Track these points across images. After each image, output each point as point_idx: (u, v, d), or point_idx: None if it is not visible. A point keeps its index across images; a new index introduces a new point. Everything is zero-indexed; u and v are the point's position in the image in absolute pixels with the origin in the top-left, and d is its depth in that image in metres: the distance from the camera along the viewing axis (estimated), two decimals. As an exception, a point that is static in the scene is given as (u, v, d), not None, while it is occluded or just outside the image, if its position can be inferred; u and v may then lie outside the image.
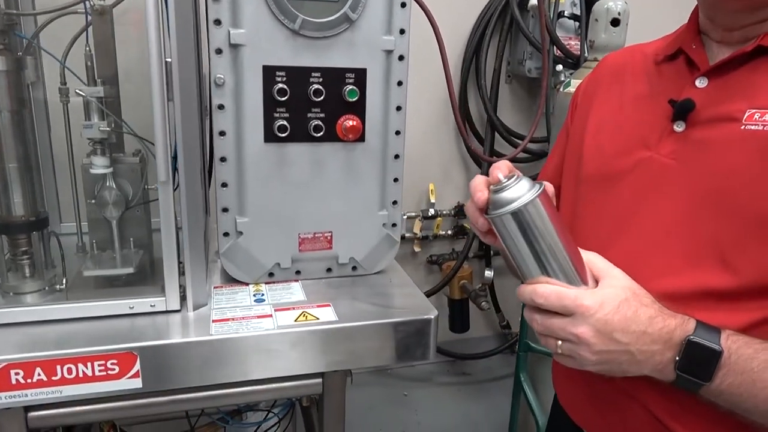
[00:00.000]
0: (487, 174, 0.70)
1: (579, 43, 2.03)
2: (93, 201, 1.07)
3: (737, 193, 0.68)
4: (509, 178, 0.67)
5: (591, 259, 0.69)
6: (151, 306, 0.97)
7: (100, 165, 1.03)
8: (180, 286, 0.98)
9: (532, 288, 0.67)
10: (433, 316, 1.04)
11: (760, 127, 0.67)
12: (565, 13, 2.03)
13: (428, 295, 2.27)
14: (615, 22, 1.59)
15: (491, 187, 0.68)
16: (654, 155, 0.77)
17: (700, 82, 0.75)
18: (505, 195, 0.66)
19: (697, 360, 0.65)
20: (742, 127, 0.69)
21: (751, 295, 0.68)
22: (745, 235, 0.68)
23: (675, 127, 0.76)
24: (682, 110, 0.74)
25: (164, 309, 0.98)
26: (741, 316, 0.69)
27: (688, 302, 0.71)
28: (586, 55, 1.88)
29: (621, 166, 0.81)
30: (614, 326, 0.64)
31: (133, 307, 0.96)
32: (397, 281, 1.20)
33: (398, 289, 1.17)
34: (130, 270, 1.05)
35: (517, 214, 0.65)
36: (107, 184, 1.06)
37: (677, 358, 0.65)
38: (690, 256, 0.72)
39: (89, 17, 1.08)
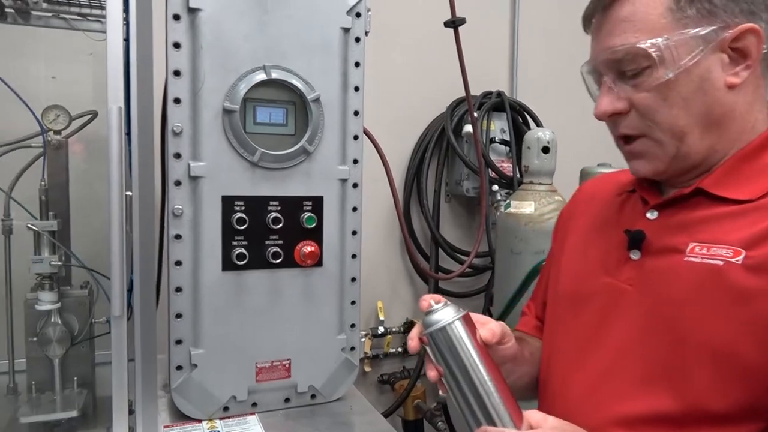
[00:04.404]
0: (435, 291, 0.74)
1: (511, 165, 2.19)
2: (35, 339, 1.00)
3: (682, 321, 0.73)
4: (438, 303, 0.76)
5: (528, 413, 0.71)
6: (95, 454, 0.89)
7: (47, 300, 0.98)
8: (129, 428, 0.91)
9: None
10: (398, 445, 1.01)
11: (699, 260, 0.73)
12: (496, 139, 2.20)
13: (381, 418, 2.18)
14: (545, 150, 1.74)
15: (424, 311, 0.76)
16: (614, 281, 0.82)
17: (651, 215, 0.82)
18: (434, 317, 0.75)
19: None
20: (685, 259, 0.75)
21: (696, 420, 0.71)
22: (688, 361, 0.72)
23: (631, 255, 0.81)
24: (635, 240, 0.81)
25: (110, 456, 0.90)
26: None
27: (642, 428, 0.73)
28: (519, 178, 2.02)
29: (588, 289, 0.86)
30: None
31: (75, 457, 0.88)
32: (357, 408, 1.16)
33: (359, 416, 1.13)
34: (74, 413, 0.97)
35: (444, 329, 0.73)
36: (52, 320, 1.00)
37: None
38: (643, 380, 0.75)
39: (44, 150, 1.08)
